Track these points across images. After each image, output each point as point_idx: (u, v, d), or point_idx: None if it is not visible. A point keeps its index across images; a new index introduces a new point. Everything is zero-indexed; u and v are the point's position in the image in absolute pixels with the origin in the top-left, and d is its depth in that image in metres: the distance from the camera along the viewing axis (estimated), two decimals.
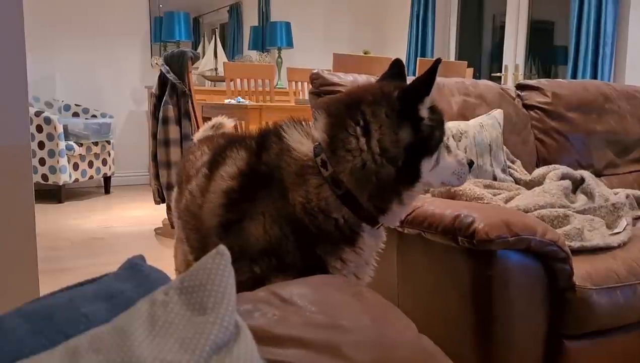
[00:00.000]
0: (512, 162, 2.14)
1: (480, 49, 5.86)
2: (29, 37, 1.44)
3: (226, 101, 3.86)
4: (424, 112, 1.06)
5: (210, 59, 5.68)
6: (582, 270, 1.38)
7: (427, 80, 1.05)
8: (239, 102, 3.75)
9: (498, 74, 4.98)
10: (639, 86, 2.74)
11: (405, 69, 1.23)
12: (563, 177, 1.96)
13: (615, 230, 1.65)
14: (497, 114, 2.11)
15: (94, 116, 4.91)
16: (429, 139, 1.07)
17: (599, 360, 1.45)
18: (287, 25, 5.65)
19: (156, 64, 5.18)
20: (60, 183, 4.36)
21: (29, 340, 0.45)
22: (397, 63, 1.22)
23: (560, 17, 4.72)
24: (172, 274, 0.82)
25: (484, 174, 1.94)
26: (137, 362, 0.41)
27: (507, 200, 1.78)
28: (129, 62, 5.32)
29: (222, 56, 5.72)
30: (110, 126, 4.78)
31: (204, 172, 1.24)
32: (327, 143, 1.07)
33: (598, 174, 2.28)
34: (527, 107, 2.38)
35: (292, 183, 1.08)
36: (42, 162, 4.30)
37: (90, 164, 4.64)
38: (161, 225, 3.73)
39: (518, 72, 4.82)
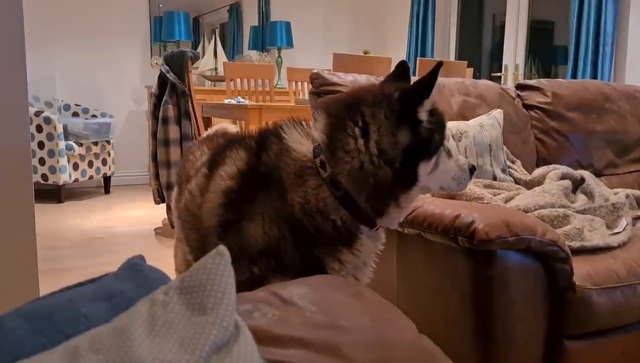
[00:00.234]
0: (512, 162, 2.14)
1: (480, 49, 5.86)
2: (29, 37, 1.44)
3: (226, 101, 3.85)
4: (422, 115, 1.05)
5: (210, 59, 5.68)
6: (582, 270, 1.38)
7: (427, 82, 1.04)
8: (239, 102, 3.75)
9: (498, 74, 4.98)
10: (639, 86, 2.74)
11: (410, 70, 1.22)
12: (563, 177, 1.96)
13: (615, 230, 1.65)
14: (497, 113, 2.11)
15: (93, 116, 4.91)
16: (427, 142, 1.06)
17: (599, 360, 1.45)
18: (287, 25, 5.65)
19: (156, 63, 5.18)
20: (60, 183, 4.36)
21: (29, 340, 0.45)
22: (402, 65, 1.21)
23: (560, 17, 4.72)
24: (172, 274, 0.82)
25: (484, 173, 1.94)
26: (137, 362, 0.41)
27: (507, 200, 1.78)
28: (129, 62, 5.32)
29: (222, 56, 5.72)
30: (110, 126, 4.78)
31: (204, 172, 1.24)
32: (326, 144, 1.07)
33: (598, 174, 2.28)
34: (527, 107, 2.38)
35: (291, 184, 1.08)
36: (42, 161, 4.30)
37: (90, 164, 4.64)
38: (161, 225, 3.73)
39: (518, 72, 4.81)
